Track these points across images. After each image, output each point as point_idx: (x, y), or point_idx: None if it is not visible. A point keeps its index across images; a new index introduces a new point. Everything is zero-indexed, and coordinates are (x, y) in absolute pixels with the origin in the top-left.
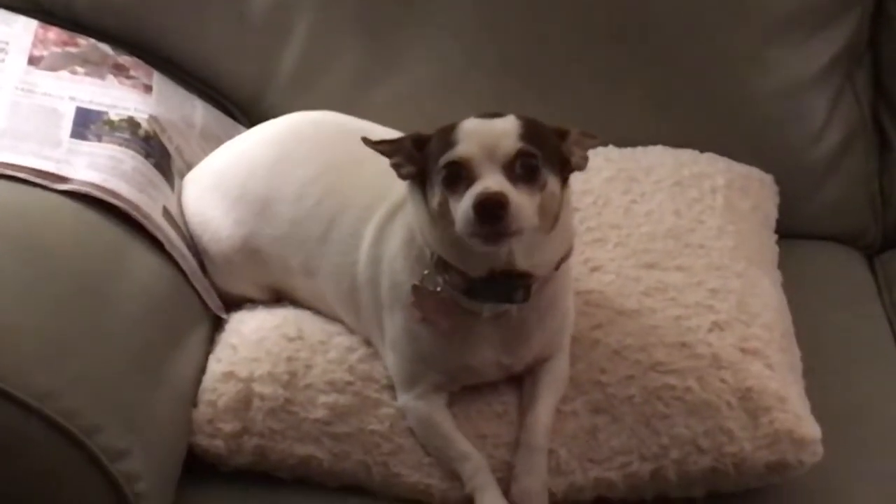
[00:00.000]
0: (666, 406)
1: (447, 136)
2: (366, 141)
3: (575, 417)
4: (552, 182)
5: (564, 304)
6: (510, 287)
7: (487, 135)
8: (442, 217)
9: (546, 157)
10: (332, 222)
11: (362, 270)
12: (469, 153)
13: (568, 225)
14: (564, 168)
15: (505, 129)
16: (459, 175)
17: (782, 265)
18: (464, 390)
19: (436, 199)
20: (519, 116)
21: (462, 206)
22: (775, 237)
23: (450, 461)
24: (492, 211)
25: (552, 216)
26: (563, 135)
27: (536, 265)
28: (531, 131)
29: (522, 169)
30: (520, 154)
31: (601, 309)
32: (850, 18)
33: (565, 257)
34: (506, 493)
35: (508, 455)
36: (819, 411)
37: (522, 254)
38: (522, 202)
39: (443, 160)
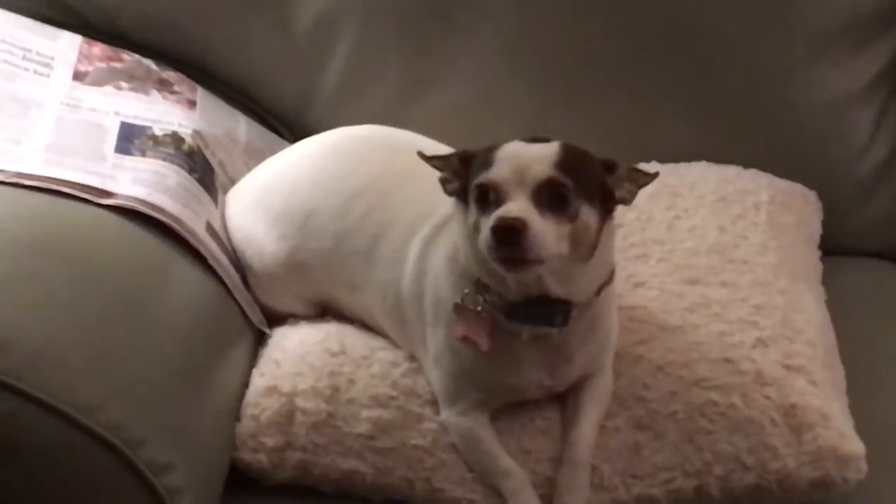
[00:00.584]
0: (709, 422)
1: (487, 156)
2: (420, 155)
3: (618, 433)
4: (586, 213)
5: (606, 324)
6: (549, 311)
7: (521, 159)
8: (474, 238)
9: (581, 187)
10: (378, 237)
11: (407, 285)
12: (500, 176)
13: (606, 255)
14: (607, 200)
15: (540, 156)
16: (489, 197)
17: (826, 281)
18: (506, 405)
19: (471, 218)
20: (564, 144)
21: (484, 229)
22: (819, 253)
23: (492, 477)
24: (508, 236)
25: (587, 246)
26: (610, 167)
27: (573, 293)
28: (569, 160)
29: (551, 197)
30: (550, 182)
31: (644, 325)
32: (894, 33)
33: (606, 283)
34: None
35: (551, 471)
36: (863, 428)
37: (555, 281)
38: (544, 230)
39: (477, 181)
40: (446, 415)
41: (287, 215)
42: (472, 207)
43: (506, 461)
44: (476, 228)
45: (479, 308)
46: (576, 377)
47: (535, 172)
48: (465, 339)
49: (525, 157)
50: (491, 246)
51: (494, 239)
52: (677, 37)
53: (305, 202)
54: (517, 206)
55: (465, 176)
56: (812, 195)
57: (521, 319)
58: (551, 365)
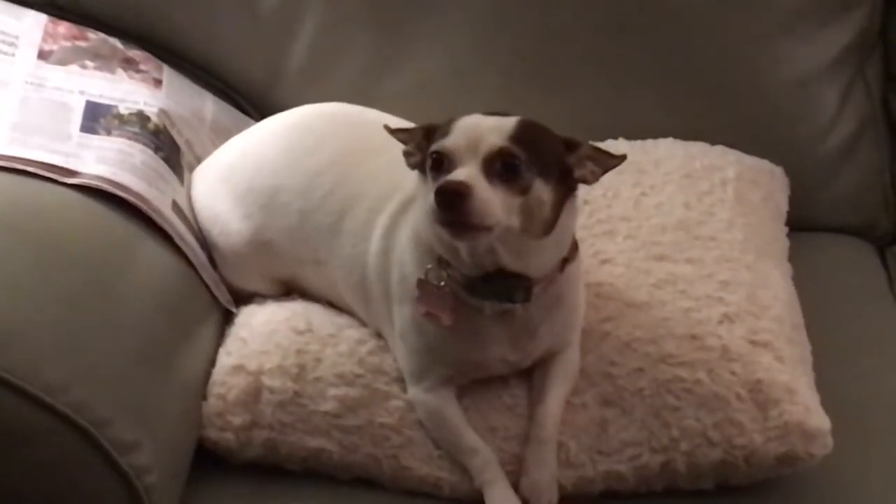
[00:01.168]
0: (676, 398)
1: (446, 127)
2: (386, 127)
3: (585, 410)
4: (540, 187)
5: (572, 300)
6: (509, 287)
7: (476, 129)
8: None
9: (536, 161)
10: (344, 213)
11: (372, 262)
12: (453, 145)
13: (565, 232)
14: (566, 178)
15: (494, 127)
16: (442, 164)
17: (793, 257)
18: (473, 383)
19: (427, 187)
20: (523, 119)
21: (429, 194)
22: (786, 229)
23: (459, 454)
24: (450, 200)
25: (541, 222)
26: (572, 146)
27: (530, 268)
28: (526, 134)
29: (502, 167)
30: (501, 152)
31: (611, 301)
32: (860, 9)
33: (569, 259)
34: (515, 486)
35: (518, 448)
36: (829, 403)
37: (509, 256)
38: (488, 197)
39: (432, 148)
40: (413, 392)
41: (252, 193)
42: (428, 176)
43: (472, 439)
44: (428, 194)
45: (442, 283)
46: (541, 353)
47: (487, 142)
48: (427, 314)
49: (480, 128)
50: (434, 210)
51: (437, 202)
52: (645, 14)
53: (270, 180)
54: (464, 172)
55: (426, 149)
56: (779, 171)
57: (481, 295)
58: (515, 340)
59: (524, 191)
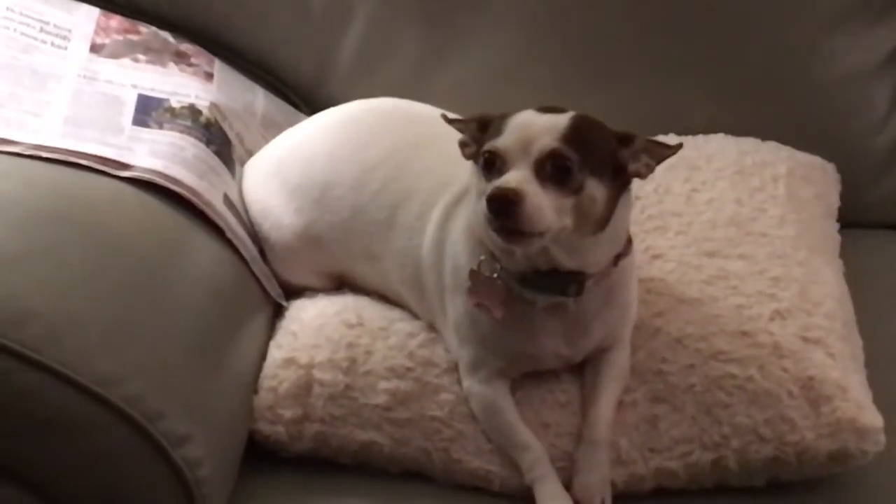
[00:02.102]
0: (727, 395)
1: (500, 123)
2: (444, 116)
3: (635, 407)
4: (592, 186)
5: (625, 296)
6: (562, 281)
7: (529, 129)
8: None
9: (589, 160)
10: (397, 207)
11: (427, 253)
12: (506, 145)
13: (620, 227)
14: (620, 173)
15: (547, 126)
16: (494, 164)
17: (844, 254)
18: (526, 378)
19: (480, 185)
20: (576, 115)
21: (481, 198)
22: (837, 226)
23: (510, 449)
24: (502, 207)
25: (594, 219)
26: (626, 140)
27: (585, 264)
28: (579, 132)
29: (554, 169)
30: (552, 154)
31: (662, 297)
32: None
33: (623, 254)
34: (566, 484)
35: (570, 445)
36: (881, 401)
37: (563, 254)
38: (542, 203)
39: (485, 147)
40: (468, 383)
41: (304, 188)
42: (480, 174)
43: (525, 434)
44: (481, 196)
45: (495, 275)
46: (593, 347)
47: (539, 144)
48: (479, 306)
49: (533, 128)
50: (487, 216)
51: (489, 209)
52: (696, 9)
53: (322, 175)
54: (516, 177)
55: (481, 140)
56: (830, 167)
57: (535, 288)
58: (568, 334)
59: (577, 191)
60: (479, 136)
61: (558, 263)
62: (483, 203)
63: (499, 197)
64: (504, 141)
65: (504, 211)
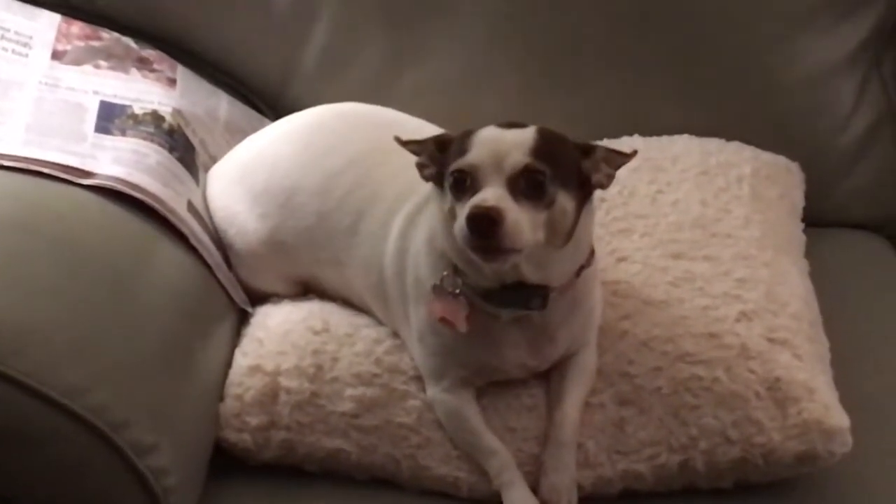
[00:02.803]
0: (694, 397)
1: (463, 141)
2: (397, 139)
3: (602, 409)
4: (563, 199)
5: (589, 303)
6: (526, 296)
7: (498, 146)
8: (451, 222)
9: (558, 173)
10: (362, 213)
11: (389, 262)
12: (476, 162)
13: (584, 239)
14: (584, 185)
15: (516, 142)
16: (465, 183)
17: (808, 253)
18: (492, 383)
19: (446, 205)
20: (540, 129)
21: (459, 217)
22: (802, 226)
23: (477, 455)
24: (484, 225)
25: (563, 232)
26: (587, 151)
27: (550, 278)
28: (546, 146)
29: (527, 185)
30: (526, 170)
31: (628, 299)
32: (876, 4)
33: (585, 264)
34: (534, 487)
35: (537, 448)
36: (848, 400)
37: (531, 268)
38: (520, 219)
39: (453, 166)
40: (432, 392)
41: (268, 193)
42: (448, 193)
43: (490, 440)
44: (452, 214)
45: (458, 290)
46: (559, 356)
47: (512, 160)
48: (443, 320)
49: (502, 143)
50: (466, 235)
51: (469, 229)
52: (660, 10)
53: (287, 180)
54: (493, 195)
55: (441, 161)
56: (795, 167)
57: (498, 303)
58: (533, 345)
59: (549, 205)
60: (437, 156)
61: (525, 277)
62: (461, 222)
63: (480, 216)
64: (473, 158)
65: (485, 230)
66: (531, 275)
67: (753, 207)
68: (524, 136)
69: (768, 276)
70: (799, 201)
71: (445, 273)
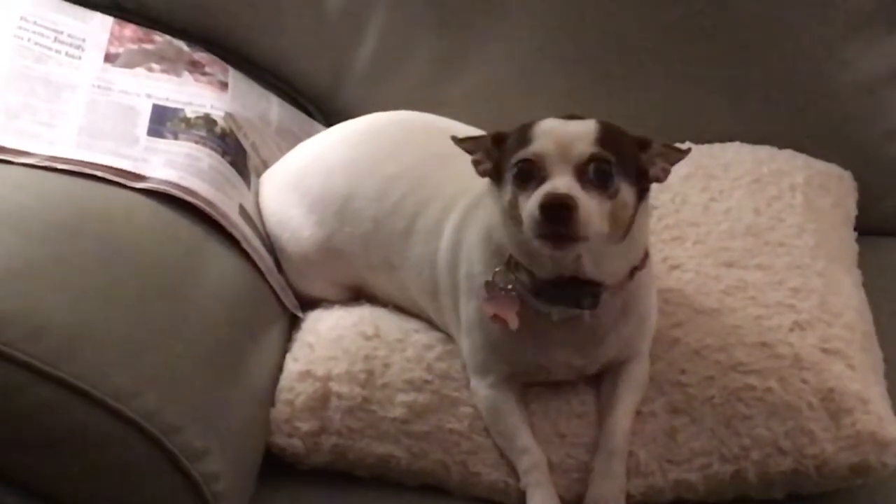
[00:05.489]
0: (746, 407)
1: (524, 133)
2: (453, 138)
3: (654, 418)
4: (625, 191)
5: (642, 309)
6: (578, 293)
7: (563, 135)
8: (511, 216)
9: (621, 164)
10: (417, 215)
11: (442, 257)
12: (542, 151)
13: (640, 236)
14: (641, 179)
15: (581, 132)
16: (531, 173)
17: (861, 263)
18: (543, 388)
19: (507, 196)
20: (600, 121)
21: (529, 205)
22: (855, 235)
23: (510, 453)
24: (558, 213)
25: (623, 226)
26: (644, 145)
27: (605, 274)
28: (609, 137)
29: (595, 174)
30: (593, 158)
31: (680, 307)
32: None
33: (639, 266)
34: (581, 495)
35: (587, 455)
36: None
37: (590, 262)
38: (591, 207)
39: (516, 157)
40: (475, 385)
41: (324, 200)
42: (510, 185)
43: (526, 439)
44: (513, 206)
45: (510, 287)
46: (608, 360)
47: (578, 148)
48: (495, 317)
49: (567, 133)
50: (538, 222)
51: (543, 216)
52: (711, 16)
53: (343, 187)
54: (563, 183)
55: (498, 156)
56: (847, 175)
57: (549, 300)
58: (581, 346)
59: (612, 196)
60: (494, 152)
61: (583, 271)
62: (534, 210)
63: (555, 203)
64: (539, 148)
65: (559, 217)
66: (589, 268)
67: (807, 216)
68: (588, 127)
69: (822, 285)
70: (852, 210)
71: (498, 269)
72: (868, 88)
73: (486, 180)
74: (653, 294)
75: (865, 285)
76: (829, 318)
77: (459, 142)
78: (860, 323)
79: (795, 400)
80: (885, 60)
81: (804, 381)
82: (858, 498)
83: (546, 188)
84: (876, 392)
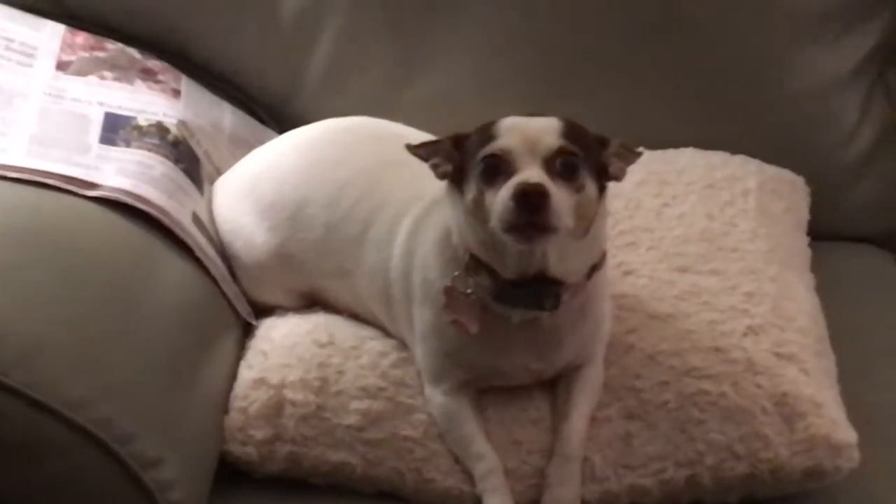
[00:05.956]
0: (701, 412)
1: (486, 131)
2: (407, 146)
3: (609, 424)
4: (590, 186)
5: (598, 312)
6: (540, 294)
7: (529, 130)
8: (476, 214)
9: (586, 159)
10: (370, 222)
11: (395, 264)
12: (510, 146)
13: (600, 233)
14: (601, 176)
15: (547, 126)
16: (498, 168)
17: (814, 267)
18: (498, 395)
19: (471, 194)
20: (563, 118)
21: (500, 197)
22: (808, 240)
23: (465, 459)
24: (532, 201)
25: (587, 222)
26: (603, 143)
27: (567, 271)
28: (573, 132)
29: (562, 166)
30: (561, 151)
31: (635, 313)
32: (880, 17)
33: (597, 266)
34: (537, 501)
35: (542, 462)
36: (854, 415)
37: (556, 258)
38: (563, 199)
39: (482, 153)
40: (430, 392)
41: (277, 206)
42: (474, 182)
43: (481, 445)
44: (478, 204)
45: (469, 291)
46: (565, 363)
47: (546, 142)
48: (455, 322)
49: (532, 128)
50: (512, 212)
51: (516, 205)
52: (664, 22)
53: (295, 193)
54: (535, 174)
55: (458, 157)
56: (800, 181)
57: (510, 302)
58: (540, 349)
59: (580, 188)
60: (454, 154)
61: (548, 268)
62: (506, 201)
63: (528, 192)
64: (506, 142)
65: (533, 205)
66: (554, 265)
67: (759, 221)
68: (552, 122)
69: (775, 290)
70: (804, 215)
71: (457, 273)
72: (820, 94)
73: (442, 185)
74: (608, 297)
75: (818, 290)
76: (783, 322)
77: (413, 149)
78: (813, 327)
79: (749, 404)
80: (836, 66)
81: (758, 386)
82: (812, 501)
83: (518, 179)
84: (829, 396)
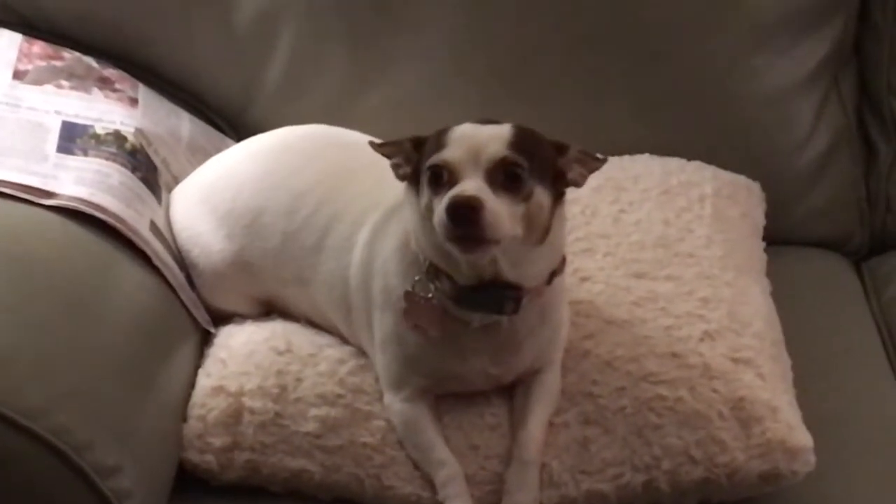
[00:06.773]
0: (658, 417)
1: (440, 138)
2: (371, 143)
3: (566, 429)
4: (539, 194)
5: (557, 317)
6: (500, 298)
7: (474, 140)
8: (428, 220)
9: (535, 168)
10: (328, 230)
11: (354, 273)
12: (452, 157)
13: (558, 238)
14: (558, 182)
15: (493, 136)
16: (442, 177)
17: (769, 272)
18: (456, 400)
19: (424, 200)
20: (516, 126)
21: (438, 209)
22: (763, 245)
23: (426, 466)
24: (464, 215)
25: (540, 228)
26: (561, 149)
27: (525, 277)
28: (523, 141)
29: (505, 177)
30: (504, 162)
31: (591, 319)
32: (835, 23)
33: (557, 271)
34: None
35: (500, 467)
36: (809, 419)
37: (508, 264)
38: (499, 210)
39: (429, 162)
40: (389, 400)
41: (234, 214)
42: (425, 190)
43: (442, 452)
44: (429, 210)
45: (430, 295)
46: (523, 368)
47: (489, 152)
48: (415, 327)
49: (479, 137)
50: (446, 226)
51: (449, 218)
52: (620, 28)
53: (253, 201)
54: (472, 185)
55: (417, 160)
56: (756, 186)
57: (471, 306)
58: (498, 354)
59: (526, 198)
60: (414, 155)
61: (502, 274)
62: (442, 213)
63: (460, 204)
64: (450, 152)
65: (465, 218)
66: (508, 271)
67: (715, 227)
68: (501, 131)
69: (731, 295)
70: (760, 220)
71: (417, 278)
72: (775, 100)
73: (400, 191)
74: (566, 302)
75: (774, 294)
76: (739, 327)
77: (378, 146)
78: (769, 332)
79: (706, 409)
80: (790, 72)
81: (714, 391)
82: None
83: (453, 191)
84: (785, 400)
